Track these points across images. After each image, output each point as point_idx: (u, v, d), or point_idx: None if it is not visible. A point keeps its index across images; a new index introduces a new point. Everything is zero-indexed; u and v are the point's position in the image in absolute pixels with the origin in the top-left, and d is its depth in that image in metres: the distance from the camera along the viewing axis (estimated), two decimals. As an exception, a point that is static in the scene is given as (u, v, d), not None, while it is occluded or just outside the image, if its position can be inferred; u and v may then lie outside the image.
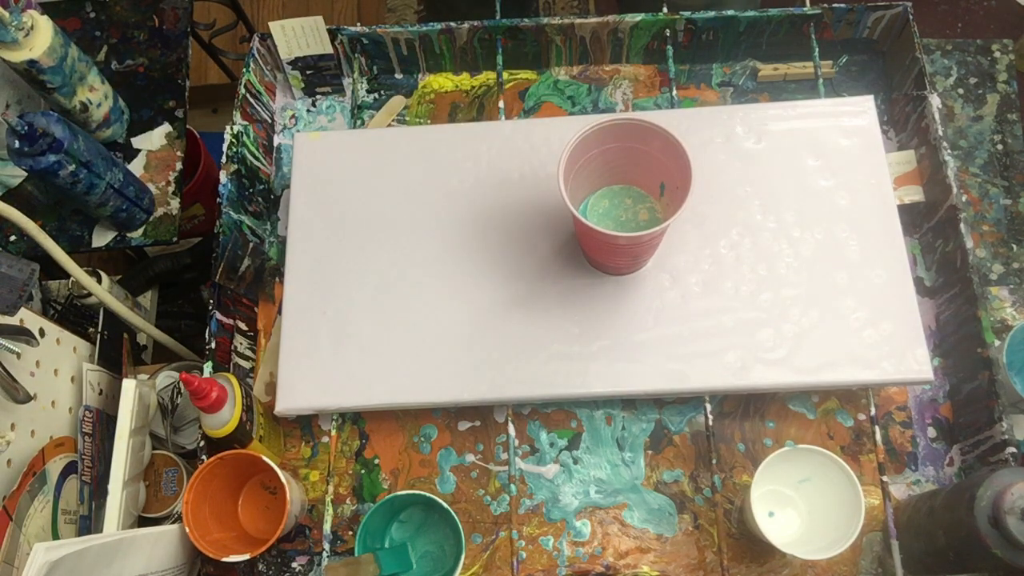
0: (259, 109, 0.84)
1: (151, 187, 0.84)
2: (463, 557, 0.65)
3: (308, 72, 0.85)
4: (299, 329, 0.71)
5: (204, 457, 0.67)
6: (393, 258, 0.73)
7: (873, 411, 0.70)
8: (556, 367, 0.68)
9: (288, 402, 0.69)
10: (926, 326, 0.75)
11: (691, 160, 0.59)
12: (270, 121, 0.87)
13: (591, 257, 0.70)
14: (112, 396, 0.75)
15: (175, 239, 0.83)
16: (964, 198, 0.83)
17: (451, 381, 0.69)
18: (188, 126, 0.90)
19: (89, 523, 0.68)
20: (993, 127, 0.86)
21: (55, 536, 0.66)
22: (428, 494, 0.66)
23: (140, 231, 0.83)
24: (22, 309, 0.64)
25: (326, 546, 0.68)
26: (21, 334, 0.63)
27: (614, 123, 0.61)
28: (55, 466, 0.67)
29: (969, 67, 0.88)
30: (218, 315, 0.73)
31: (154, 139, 0.87)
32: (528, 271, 0.71)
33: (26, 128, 0.70)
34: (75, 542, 0.54)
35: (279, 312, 0.78)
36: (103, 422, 0.72)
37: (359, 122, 0.84)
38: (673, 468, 0.72)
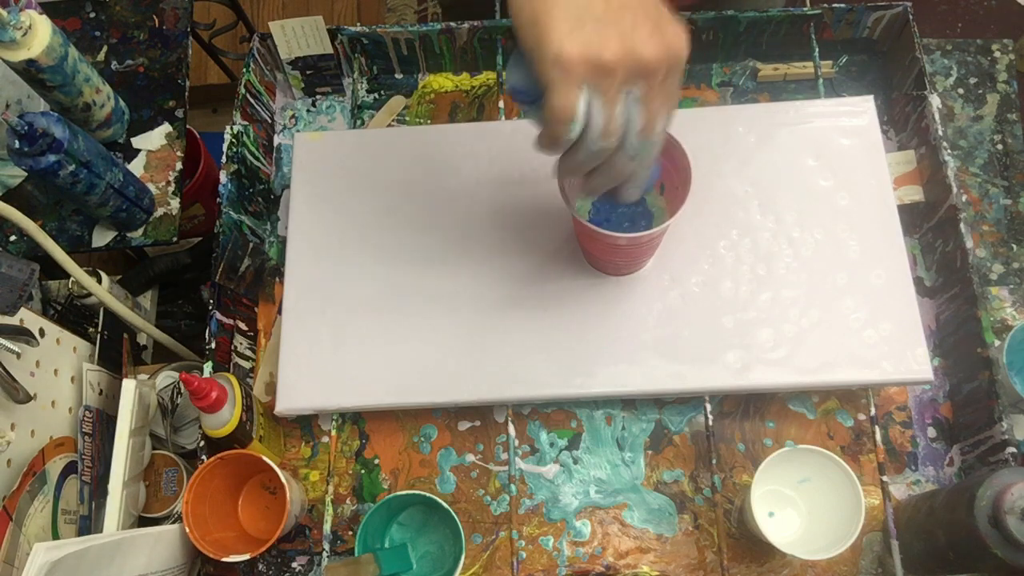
0: (259, 109, 0.84)
1: (151, 187, 0.84)
2: (463, 557, 0.65)
3: (308, 72, 0.84)
4: (299, 329, 0.71)
5: (204, 457, 0.67)
6: (393, 258, 0.73)
7: (873, 411, 0.70)
8: (556, 367, 0.68)
9: (288, 402, 0.69)
10: (926, 326, 0.75)
11: (691, 160, 0.59)
12: (270, 121, 0.87)
13: (591, 257, 0.70)
14: (112, 396, 0.75)
15: (175, 239, 0.83)
16: (964, 198, 0.83)
17: (451, 381, 0.69)
18: (188, 126, 0.90)
19: (89, 523, 0.68)
20: (993, 127, 0.86)
21: (55, 536, 0.66)
22: (428, 494, 0.66)
23: (140, 231, 0.83)
24: (22, 309, 0.64)
25: (326, 546, 0.68)
26: (21, 334, 0.63)
27: (614, 123, 0.61)
28: (55, 466, 0.67)
29: (969, 67, 0.88)
30: (218, 315, 0.73)
31: (154, 139, 0.87)
32: (528, 271, 0.71)
33: (26, 128, 0.70)
34: (75, 542, 0.54)
35: (279, 312, 0.78)
36: (103, 422, 0.72)
37: (359, 122, 0.84)
38: (673, 468, 0.72)
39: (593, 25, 0.43)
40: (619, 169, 0.50)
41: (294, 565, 0.72)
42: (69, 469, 0.69)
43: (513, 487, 0.70)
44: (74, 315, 0.83)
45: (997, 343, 0.69)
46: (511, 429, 0.71)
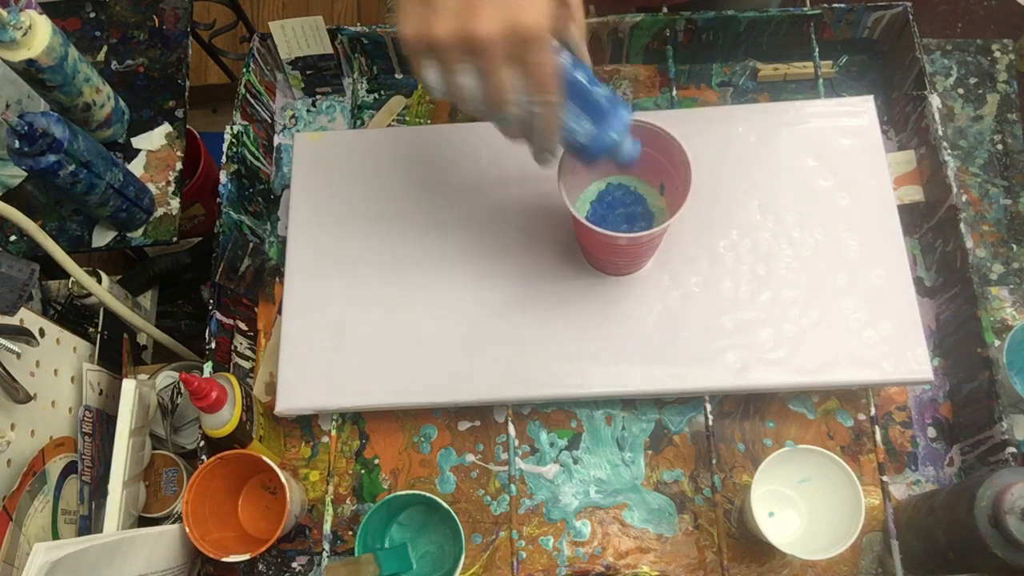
0: (259, 109, 0.84)
1: (151, 187, 0.84)
2: (463, 557, 0.65)
3: (308, 72, 0.84)
4: (299, 329, 0.71)
5: (204, 457, 0.67)
6: (393, 258, 0.73)
7: (873, 411, 0.70)
8: (556, 367, 0.68)
9: (288, 402, 0.69)
10: (926, 326, 0.75)
11: (691, 160, 0.59)
12: (270, 121, 0.87)
13: (591, 257, 0.70)
14: (112, 396, 0.75)
15: (175, 239, 0.83)
16: (964, 198, 0.83)
17: (451, 381, 0.69)
18: (188, 126, 0.90)
19: (89, 523, 0.68)
20: (993, 127, 0.86)
21: (55, 536, 0.66)
22: (428, 494, 0.66)
23: (140, 231, 0.83)
24: (22, 309, 0.64)
25: (326, 546, 0.68)
26: (21, 334, 0.63)
27: (614, 123, 0.61)
28: (55, 466, 0.67)
29: (969, 67, 0.88)
30: (218, 315, 0.73)
31: (154, 139, 0.87)
32: (528, 271, 0.71)
33: (26, 128, 0.70)
34: (75, 542, 0.54)
35: (279, 312, 0.78)
36: (103, 422, 0.72)
37: (359, 122, 0.84)
38: (673, 468, 0.72)
39: (432, 6, 0.46)
40: (505, 129, 0.53)
41: (294, 565, 0.72)
42: (69, 469, 0.69)
43: (513, 487, 0.70)
44: (74, 315, 0.83)
45: (997, 343, 0.69)
46: (511, 429, 0.71)
